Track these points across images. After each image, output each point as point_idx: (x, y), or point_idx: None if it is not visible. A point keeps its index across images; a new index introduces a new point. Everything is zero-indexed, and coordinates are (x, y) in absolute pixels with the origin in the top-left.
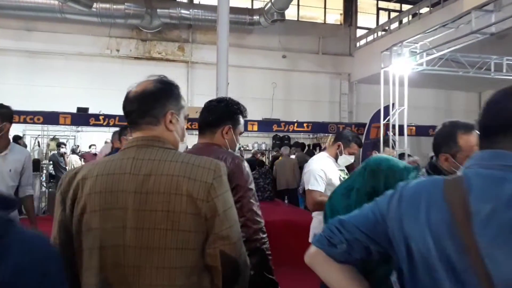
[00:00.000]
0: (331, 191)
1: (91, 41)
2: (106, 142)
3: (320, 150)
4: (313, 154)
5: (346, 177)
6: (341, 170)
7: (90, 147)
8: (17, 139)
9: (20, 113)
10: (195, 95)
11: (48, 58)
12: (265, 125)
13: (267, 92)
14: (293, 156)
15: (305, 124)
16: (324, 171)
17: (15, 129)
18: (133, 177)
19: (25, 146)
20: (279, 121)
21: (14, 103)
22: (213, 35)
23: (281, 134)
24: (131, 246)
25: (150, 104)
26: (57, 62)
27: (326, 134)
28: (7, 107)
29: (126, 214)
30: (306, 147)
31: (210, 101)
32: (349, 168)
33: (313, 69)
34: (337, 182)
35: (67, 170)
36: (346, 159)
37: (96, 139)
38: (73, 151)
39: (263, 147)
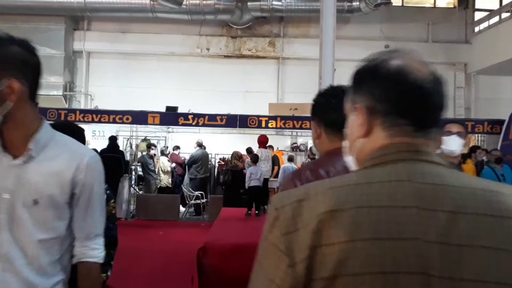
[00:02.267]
0: None
1: (181, 41)
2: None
3: None
4: None
5: None
6: None
7: (174, 148)
8: (113, 140)
9: (109, 112)
10: (286, 92)
11: (141, 59)
12: None
13: None
14: None
15: None
16: None
17: (109, 131)
18: (427, 214)
19: (117, 147)
20: None
21: (109, 104)
22: (306, 27)
23: None
24: None
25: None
26: (149, 63)
27: None
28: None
29: (428, 284)
30: None
31: (334, 88)
32: None
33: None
34: None
35: (156, 172)
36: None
37: (186, 140)
38: (162, 153)
39: None
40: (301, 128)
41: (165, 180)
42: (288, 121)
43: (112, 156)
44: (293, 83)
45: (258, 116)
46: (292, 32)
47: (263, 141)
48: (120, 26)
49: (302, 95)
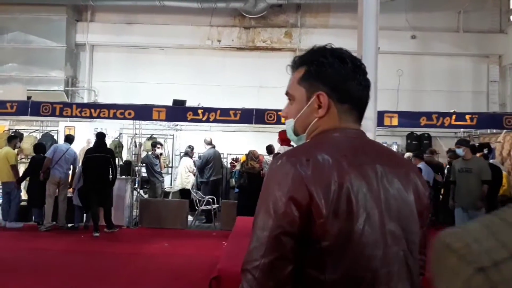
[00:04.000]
0: None
1: (191, 32)
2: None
3: (489, 152)
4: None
5: None
6: None
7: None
8: (101, 137)
9: (109, 106)
10: None
11: (147, 52)
12: (410, 117)
13: (391, 81)
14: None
15: (467, 116)
16: None
17: (113, 129)
18: None
19: (121, 146)
20: (429, 113)
21: (114, 101)
22: (325, 17)
23: (418, 132)
24: None
25: None
26: (156, 56)
27: (497, 131)
28: None
29: None
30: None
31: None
32: None
33: (450, 51)
34: None
35: (162, 173)
36: None
37: (195, 139)
38: (187, 154)
39: (395, 148)
40: None
41: (191, 180)
42: None
43: (99, 157)
44: None
45: (277, 111)
46: (310, 22)
47: (286, 138)
48: (125, 17)
49: None
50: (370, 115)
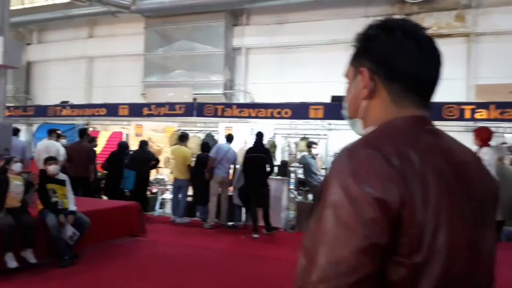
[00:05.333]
0: None
1: (345, 26)
2: None
3: None
4: None
5: None
6: None
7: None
8: (260, 137)
9: (267, 106)
10: (480, 78)
11: (298, 51)
12: None
13: None
14: None
15: None
16: None
17: (265, 129)
18: None
19: (275, 147)
20: None
21: (267, 100)
22: None
23: None
24: None
25: None
26: (308, 54)
27: None
28: None
29: None
30: None
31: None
32: None
33: None
34: None
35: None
36: None
37: (349, 138)
38: None
39: None
40: None
41: None
42: (508, 109)
43: (257, 157)
44: (490, 65)
45: (459, 104)
46: (488, 0)
47: (487, 137)
48: (277, 17)
49: (502, 80)
50: None
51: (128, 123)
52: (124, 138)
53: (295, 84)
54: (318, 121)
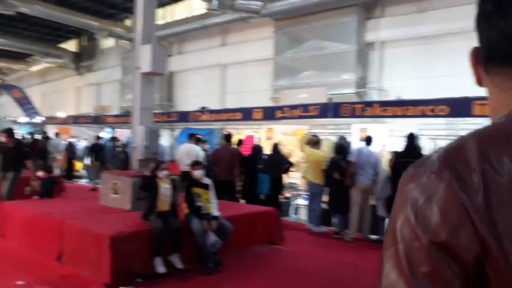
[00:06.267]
0: None
1: None
2: None
3: None
4: None
5: None
6: None
7: None
8: (412, 140)
9: (416, 103)
10: None
11: (444, 41)
12: None
13: None
14: None
15: None
16: None
17: (407, 130)
18: None
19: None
20: None
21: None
22: None
23: None
24: None
25: None
26: (455, 44)
27: None
28: None
29: None
30: None
31: None
32: None
33: None
34: None
35: None
36: None
37: None
38: None
39: None
40: None
41: None
42: None
43: (409, 162)
44: None
45: None
46: None
47: None
48: (417, 5)
49: None
50: None
51: (259, 127)
52: (256, 142)
53: (440, 79)
54: (480, 119)
